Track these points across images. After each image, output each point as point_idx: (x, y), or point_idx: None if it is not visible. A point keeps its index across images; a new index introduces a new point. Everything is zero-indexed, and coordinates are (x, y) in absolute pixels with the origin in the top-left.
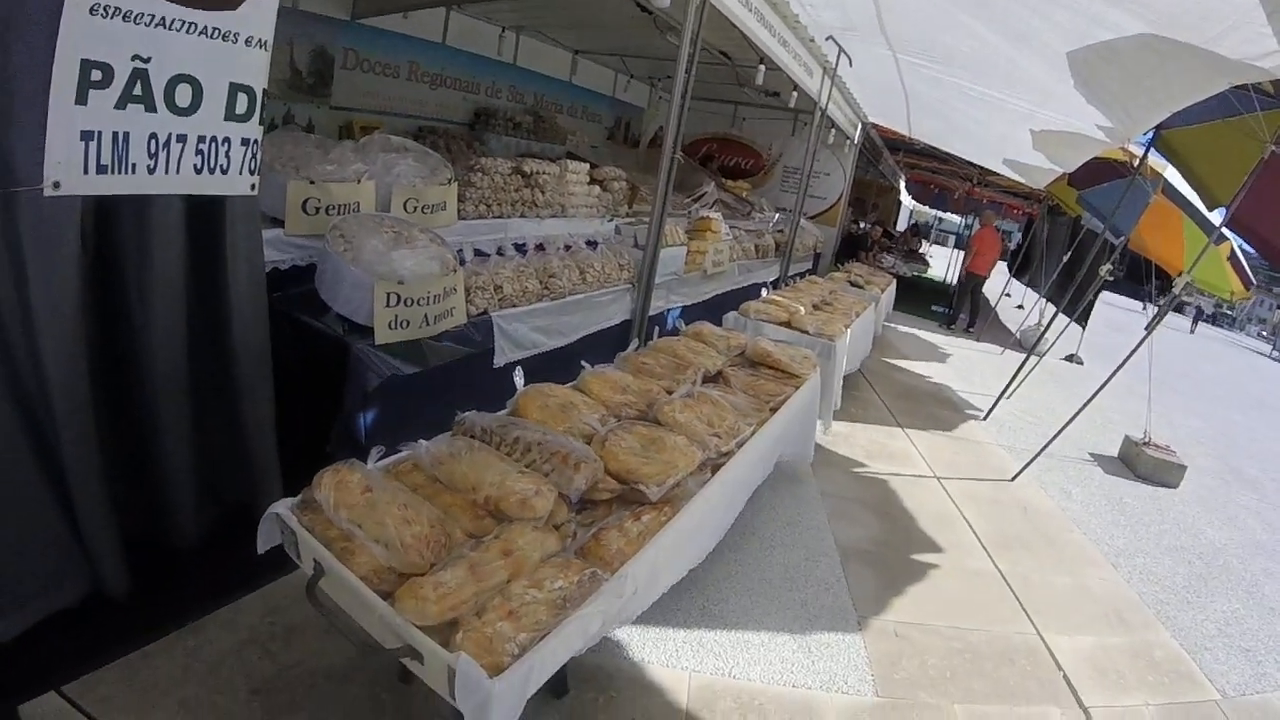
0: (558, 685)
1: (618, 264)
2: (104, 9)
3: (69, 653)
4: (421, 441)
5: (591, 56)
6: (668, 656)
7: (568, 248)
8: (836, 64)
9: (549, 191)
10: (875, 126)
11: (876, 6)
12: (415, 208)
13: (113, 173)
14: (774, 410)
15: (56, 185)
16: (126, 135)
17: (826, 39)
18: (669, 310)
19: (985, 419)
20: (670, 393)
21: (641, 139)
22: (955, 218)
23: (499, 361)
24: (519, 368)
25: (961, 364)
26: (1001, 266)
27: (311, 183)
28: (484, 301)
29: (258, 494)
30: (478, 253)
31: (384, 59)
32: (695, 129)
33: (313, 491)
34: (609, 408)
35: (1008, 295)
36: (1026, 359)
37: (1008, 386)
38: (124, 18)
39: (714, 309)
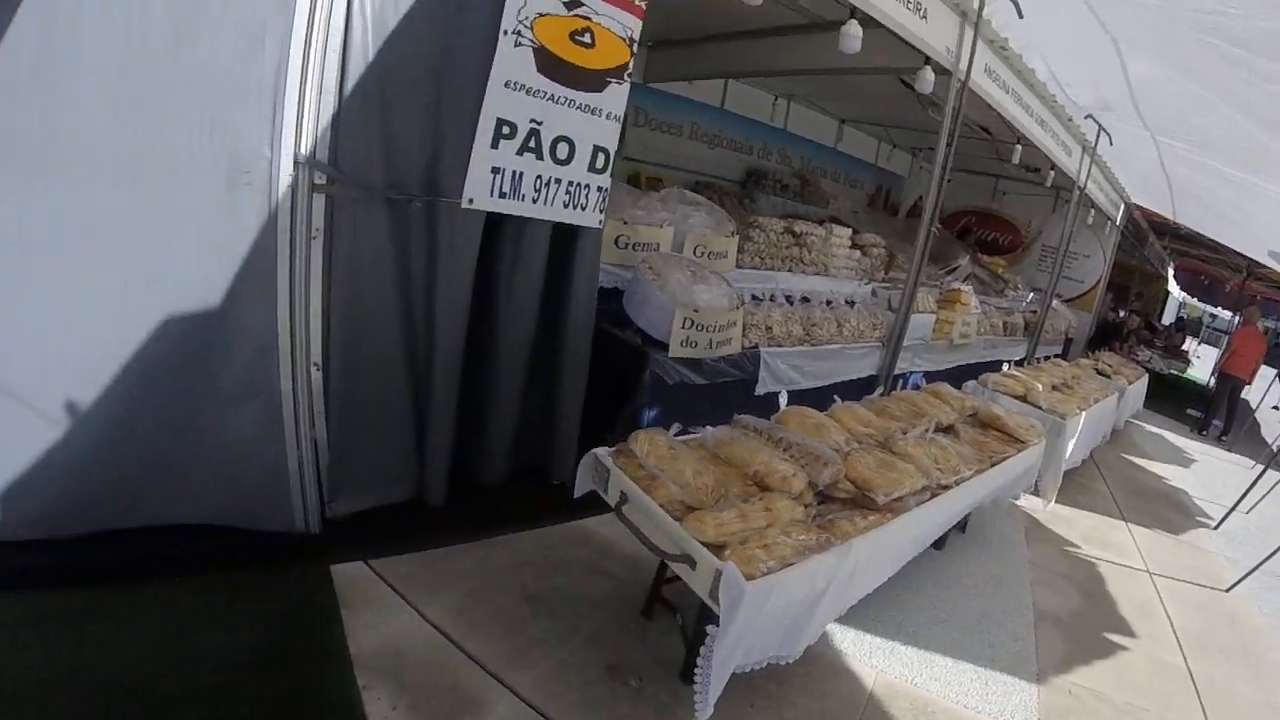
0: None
1: (871, 323)
2: (515, 85)
3: (385, 536)
4: (708, 427)
5: (856, 125)
6: (862, 654)
7: (829, 303)
8: (1096, 142)
9: (815, 251)
10: (1139, 208)
11: (1129, 87)
12: (703, 253)
13: (509, 199)
14: (994, 464)
15: (470, 201)
16: (521, 174)
17: (1085, 118)
18: (912, 373)
19: (1216, 529)
20: (905, 432)
21: (900, 207)
22: (1226, 314)
23: (760, 390)
24: (784, 389)
25: (1205, 472)
26: (1269, 372)
27: (625, 223)
28: (756, 337)
29: (553, 460)
30: (753, 297)
31: (669, 119)
32: (955, 201)
33: (629, 444)
34: (852, 434)
35: (1276, 408)
36: (1264, 470)
37: (1243, 497)
38: (527, 92)
39: (955, 378)
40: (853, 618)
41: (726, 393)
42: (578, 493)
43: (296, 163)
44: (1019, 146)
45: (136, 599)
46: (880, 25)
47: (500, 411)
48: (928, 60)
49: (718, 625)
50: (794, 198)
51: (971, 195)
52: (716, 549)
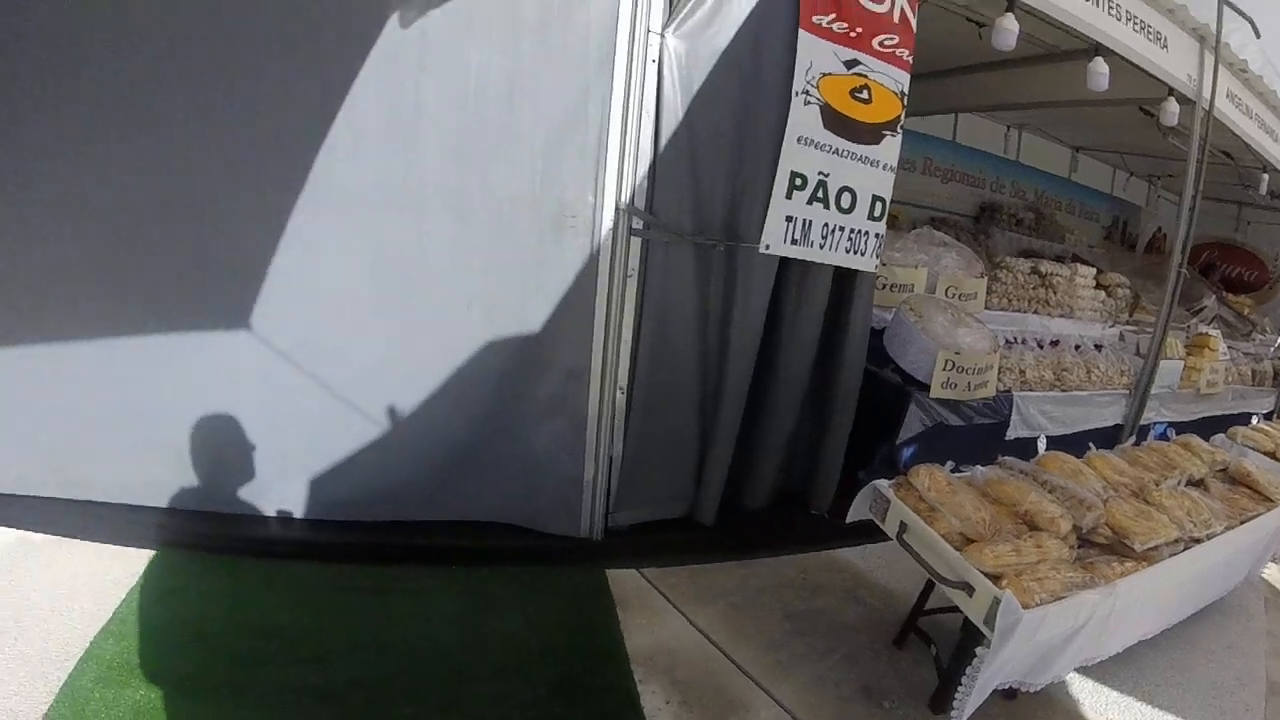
0: (1010, 691)
1: (1119, 369)
2: (806, 140)
3: (658, 549)
4: (977, 467)
5: (1091, 153)
6: (1097, 705)
7: (1077, 347)
8: None
9: (1060, 292)
10: None
11: None
12: (954, 294)
13: (800, 245)
14: (1243, 522)
15: (767, 246)
16: (810, 222)
17: None
18: (1157, 423)
19: None
20: (1159, 484)
21: (1139, 241)
22: None
23: (1010, 434)
24: (1042, 435)
25: None
26: None
27: (883, 264)
28: (1009, 381)
29: (815, 490)
30: (1005, 340)
31: (903, 154)
32: (1195, 232)
33: (909, 478)
34: (1108, 482)
35: None
36: None
37: None
38: (815, 146)
39: (1200, 431)
40: (1093, 668)
41: (978, 436)
42: (851, 519)
43: (617, 209)
44: (1265, 175)
45: (438, 580)
46: (1121, 56)
47: (773, 441)
48: (1171, 91)
49: (986, 648)
50: (1028, 232)
51: (1213, 225)
52: (993, 579)
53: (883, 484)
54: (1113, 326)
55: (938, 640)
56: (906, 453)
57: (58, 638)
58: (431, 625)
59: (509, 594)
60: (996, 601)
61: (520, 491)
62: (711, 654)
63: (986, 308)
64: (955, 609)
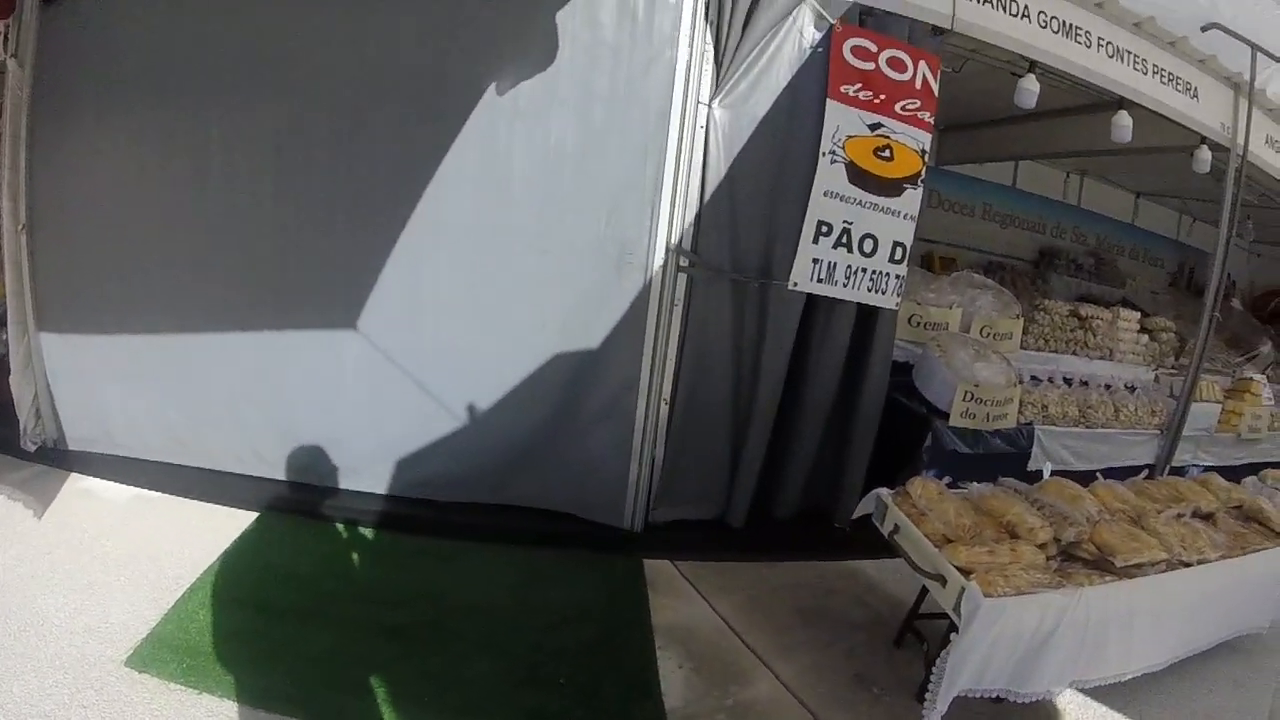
0: (996, 699)
1: (1150, 409)
2: (831, 193)
3: (690, 544)
4: (973, 484)
5: (1154, 198)
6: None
7: (1108, 387)
8: None
9: (1100, 335)
10: None
11: None
12: (989, 334)
13: (825, 284)
14: (1245, 553)
15: (795, 284)
16: (835, 264)
17: None
18: (1193, 466)
19: None
20: (1159, 513)
21: (1206, 287)
22: None
23: (1032, 465)
24: (1048, 463)
25: None
26: None
27: (918, 304)
28: (1031, 414)
29: (837, 505)
30: (1032, 377)
31: (961, 199)
32: (1266, 278)
33: (906, 487)
34: (1106, 507)
35: None
36: None
37: None
38: (840, 199)
39: (1242, 476)
40: (1086, 691)
41: (999, 465)
42: (855, 515)
43: (668, 250)
44: None
45: (499, 554)
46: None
47: (798, 458)
48: (1203, 140)
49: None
50: (1089, 277)
51: None
52: (965, 573)
53: (884, 491)
54: (1153, 370)
55: (931, 640)
56: (926, 475)
57: (170, 572)
58: (490, 588)
59: (558, 570)
60: (963, 590)
61: (575, 485)
62: (725, 634)
63: (1022, 348)
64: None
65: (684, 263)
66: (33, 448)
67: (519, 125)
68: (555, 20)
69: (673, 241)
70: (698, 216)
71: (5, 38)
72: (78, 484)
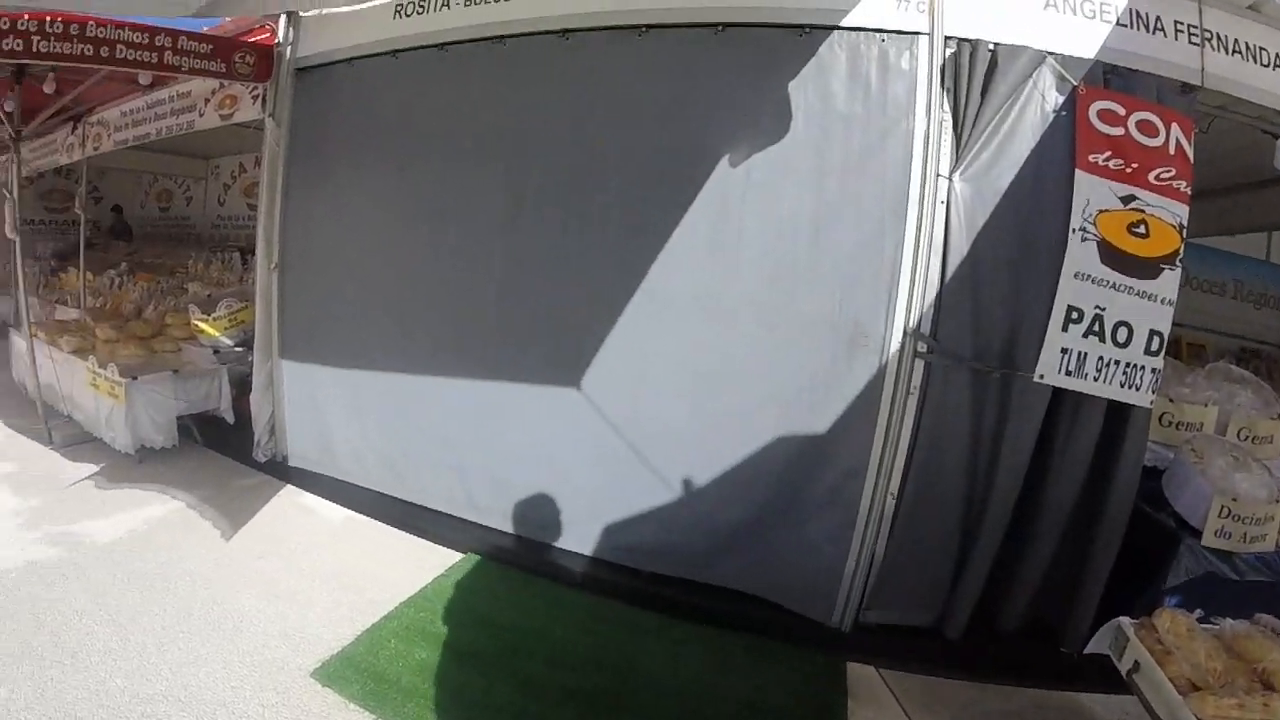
0: None
1: None
2: (1083, 275)
3: (900, 652)
4: (1229, 620)
5: None
6: None
7: None
8: None
9: None
10: None
11: None
12: (1246, 436)
13: (1074, 377)
14: None
15: (1041, 377)
16: (1085, 354)
17: None
18: None
19: None
20: None
21: None
22: None
23: None
24: None
25: None
26: None
27: (1170, 400)
28: None
29: (1068, 623)
30: None
31: (1210, 276)
32: None
33: (1152, 619)
34: None
35: None
36: None
37: None
38: (1092, 281)
39: None
40: None
41: (1256, 594)
42: (1089, 649)
43: (905, 333)
44: None
45: (690, 633)
46: None
47: (1029, 567)
48: None
49: None
50: None
51: None
52: None
53: (1126, 621)
54: None
55: None
56: (1170, 602)
57: (370, 595)
58: (678, 666)
59: (751, 660)
60: None
61: (784, 573)
62: None
63: None
64: None
65: (922, 348)
66: (263, 459)
67: (751, 197)
68: (787, 91)
69: (910, 324)
70: (938, 298)
71: (264, 99)
72: (297, 498)
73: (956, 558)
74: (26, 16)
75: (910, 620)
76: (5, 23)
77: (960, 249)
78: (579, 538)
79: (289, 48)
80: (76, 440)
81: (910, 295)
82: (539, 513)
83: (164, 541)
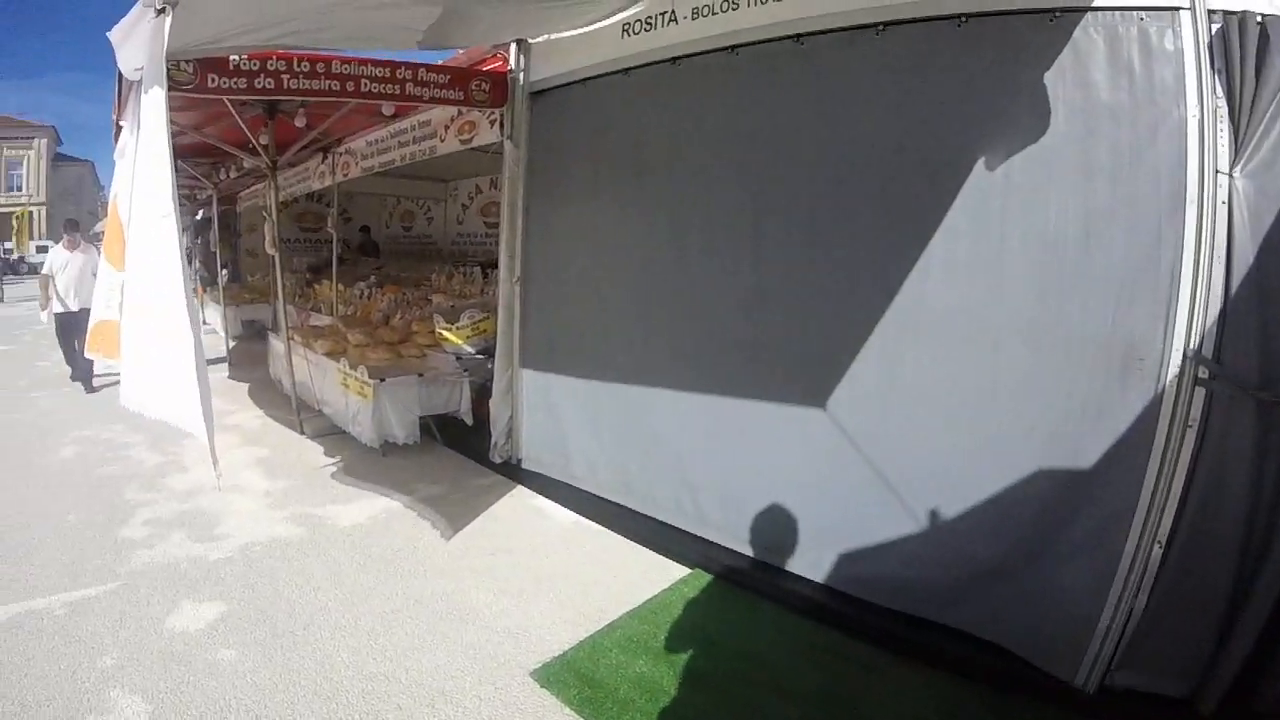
0: None
1: None
2: None
3: None
4: None
5: None
6: None
7: None
8: None
9: None
10: None
11: None
12: None
13: None
14: None
15: None
16: None
17: None
18: None
19: None
20: None
21: None
22: None
23: None
24: None
25: None
26: None
27: None
28: None
29: None
30: None
31: None
32: None
33: None
34: None
35: None
36: None
37: None
38: None
39: None
40: None
41: None
42: None
43: (1185, 356)
44: None
45: (919, 678)
46: None
47: None
48: None
49: None
50: None
51: None
52: None
53: None
54: None
55: None
56: None
57: (596, 602)
58: (902, 710)
59: (983, 714)
60: None
61: (1029, 621)
62: None
63: None
64: None
65: (1204, 373)
66: (498, 461)
67: (1012, 203)
68: (1043, 83)
69: (1191, 345)
70: (1221, 316)
71: (501, 123)
72: (529, 500)
73: (1223, 619)
74: (275, 57)
75: (1160, 688)
76: (255, 64)
77: (1245, 257)
78: (811, 564)
79: (521, 73)
80: (325, 432)
81: (1191, 311)
82: (771, 534)
83: (400, 530)
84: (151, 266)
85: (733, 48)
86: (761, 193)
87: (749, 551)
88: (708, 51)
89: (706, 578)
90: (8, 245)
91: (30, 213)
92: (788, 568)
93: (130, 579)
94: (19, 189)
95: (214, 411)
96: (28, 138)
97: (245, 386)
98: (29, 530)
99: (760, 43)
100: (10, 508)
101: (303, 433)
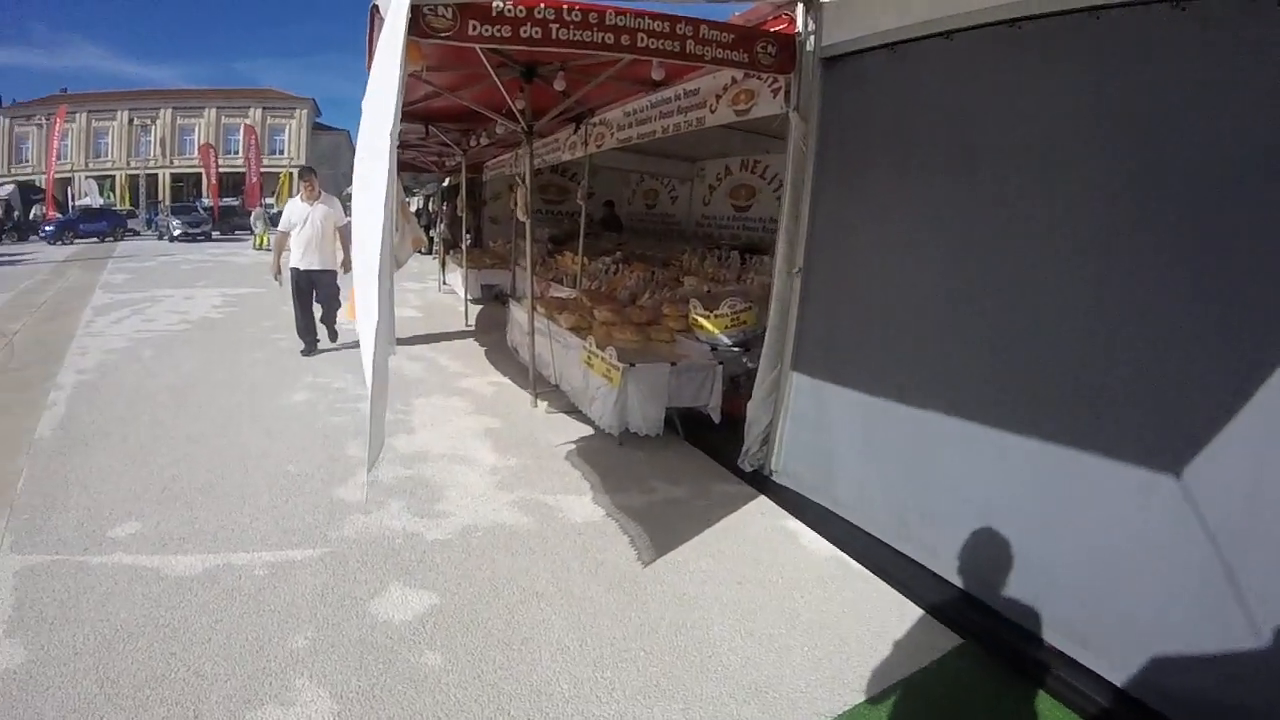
0: None
1: None
2: None
3: None
4: None
5: None
6: None
7: None
8: None
9: None
10: None
11: None
12: None
13: None
14: None
15: None
16: None
17: None
18: None
19: None
20: None
21: None
22: None
23: None
24: None
25: None
26: None
27: None
28: None
29: None
30: None
31: None
32: None
33: None
34: None
35: None
36: None
37: None
38: None
39: None
40: None
41: None
42: None
43: None
44: None
45: None
46: None
47: None
48: None
49: None
50: None
51: None
52: None
53: None
54: None
55: None
56: None
57: (856, 664)
58: None
59: None
60: None
61: None
62: None
63: None
64: None
65: None
66: (747, 469)
67: None
68: None
69: None
70: None
71: (785, 92)
72: (781, 521)
73: None
74: (543, 4)
75: None
76: (522, 10)
77: None
78: (1105, 657)
79: (810, 36)
80: (560, 409)
81: None
82: (1073, 619)
83: (637, 536)
84: (363, 227)
85: (1093, 9)
86: (1123, 195)
87: (1040, 632)
88: (1062, 12)
89: (978, 653)
90: (268, 200)
91: (291, 174)
92: (1082, 660)
93: (340, 546)
94: (281, 152)
95: (444, 374)
96: (290, 108)
97: (483, 350)
98: (246, 476)
99: (1129, 4)
100: (232, 450)
101: (536, 407)
